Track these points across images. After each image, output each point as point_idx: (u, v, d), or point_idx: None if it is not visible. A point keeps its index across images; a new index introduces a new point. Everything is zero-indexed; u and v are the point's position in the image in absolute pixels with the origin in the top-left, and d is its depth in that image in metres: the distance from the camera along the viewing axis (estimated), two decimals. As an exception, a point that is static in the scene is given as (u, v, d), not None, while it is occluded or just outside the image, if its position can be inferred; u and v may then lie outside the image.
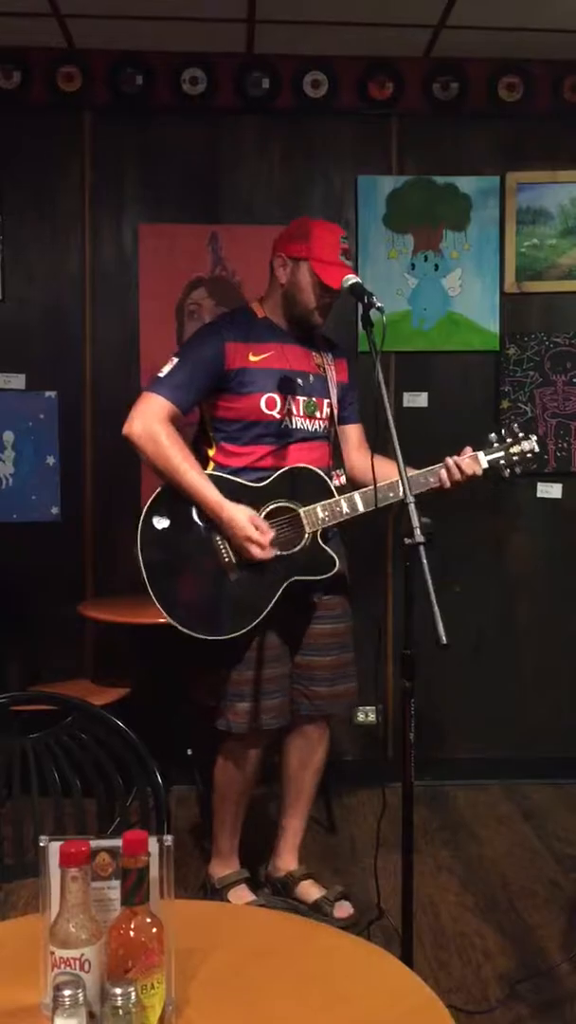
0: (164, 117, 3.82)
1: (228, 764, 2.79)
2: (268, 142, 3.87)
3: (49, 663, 3.71)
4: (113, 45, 3.69)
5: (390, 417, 2.21)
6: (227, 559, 2.60)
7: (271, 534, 2.57)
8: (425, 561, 2.00)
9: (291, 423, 2.70)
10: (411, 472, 2.56)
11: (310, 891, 2.89)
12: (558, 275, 3.93)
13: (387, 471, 2.50)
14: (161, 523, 2.63)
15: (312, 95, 3.81)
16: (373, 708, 3.87)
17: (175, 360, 2.68)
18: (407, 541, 2.04)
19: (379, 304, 2.37)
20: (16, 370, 3.81)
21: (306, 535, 2.64)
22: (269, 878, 2.97)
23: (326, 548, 2.67)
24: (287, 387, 2.70)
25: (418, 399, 3.90)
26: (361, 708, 3.87)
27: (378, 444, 2.50)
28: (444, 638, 1.92)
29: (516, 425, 2.71)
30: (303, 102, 3.82)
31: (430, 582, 1.97)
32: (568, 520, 3.97)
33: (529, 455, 2.67)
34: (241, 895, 2.83)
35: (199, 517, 2.61)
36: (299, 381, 2.73)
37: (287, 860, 2.95)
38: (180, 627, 2.60)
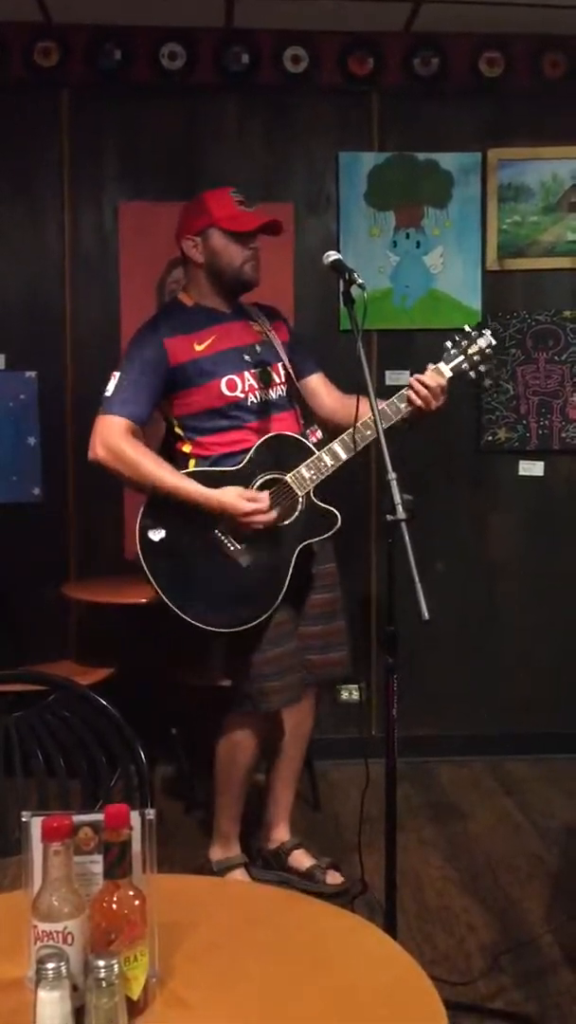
0: (143, 93, 3.78)
1: (235, 745, 2.78)
2: (248, 118, 3.83)
3: (33, 644, 3.70)
4: (91, 20, 3.64)
5: (372, 394, 2.21)
6: (232, 548, 2.60)
7: (265, 497, 2.57)
8: (407, 538, 2.00)
9: (255, 397, 2.70)
10: (381, 404, 2.56)
11: (302, 860, 2.91)
12: (540, 252, 3.92)
13: (364, 409, 2.50)
14: (157, 535, 2.60)
15: (292, 70, 3.78)
16: (356, 685, 3.89)
17: (117, 375, 2.64)
18: (389, 518, 2.05)
19: (360, 281, 2.37)
20: (-5, 350, 3.78)
21: (300, 499, 2.64)
22: (261, 851, 2.98)
23: (323, 505, 2.68)
24: (240, 364, 2.69)
25: (400, 377, 3.89)
26: (345, 686, 3.88)
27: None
28: (427, 614, 1.93)
29: (467, 326, 2.73)
30: (283, 78, 3.78)
31: (412, 559, 1.97)
32: (550, 497, 3.98)
33: (488, 350, 2.70)
34: (238, 879, 2.82)
35: (191, 517, 2.59)
36: (247, 357, 2.72)
37: (280, 831, 2.96)
38: (221, 631, 2.61)
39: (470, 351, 2.68)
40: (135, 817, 1.17)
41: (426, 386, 2.62)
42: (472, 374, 2.69)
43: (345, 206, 3.85)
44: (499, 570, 4.00)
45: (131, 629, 3.43)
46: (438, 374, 2.65)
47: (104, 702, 1.84)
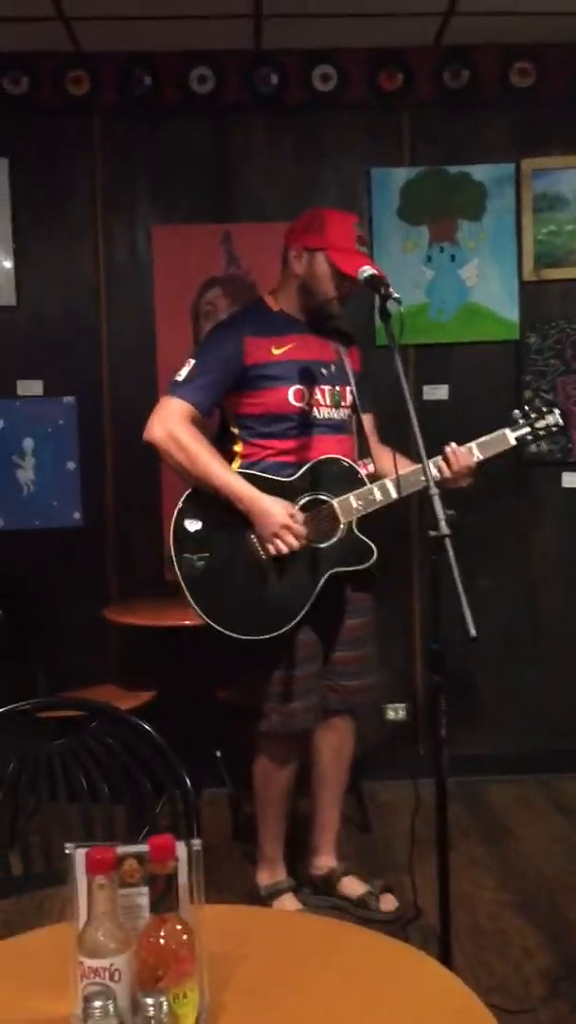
0: (173, 117, 3.80)
1: (268, 766, 2.76)
2: (279, 138, 3.84)
3: (74, 669, 3.70)
4: (120, 47, 3.67)
5: (411, 410, 2.17)
6: (264, 556, 2.58)
7: (304, 529, 2.55)
8: (451, 553, 1.97)
9: (318, 413, 2.69)
10: (410, 467, 2.55)
11: (354, 887, 2.86)
12: (577, 261, 3.87)
13: (399, 463, 2.54)
14: (193, 525, 2.59)
15: (321, 89, 3.78)
16: (403, 705, 3.83)
17: (192, 362, 2.66)
18: (432, 534, 2.01)
19: (396, 295, 2.34)
20: (33, 376, 3.81)
21: (341, 526, 2.61)
22: (310, 878, 2.93)
23: (363, 537, 2.64)
24: (312, 378, 2.69)
25: (438, 391, 3.86)
26: (391, 705, 3.83)
27: (398, 437, 2.47)
28: (474, 631, 1.89)
29: (538, 400, 2.74)
30: (312, 96, 3.79)
31: (457, 575, 1.93)
32: (595, 509, 3.91)
33: (554, 428, 2.70)
34: (286, 905, 2.77)
35: (231, 516, 2.57)
36: (323, 371, 2.72)
37: (326, 857, 2.92)
38: (221, 630, 2.57)
39: (537, 425, 2.68)
40: (181, 848, 1.14)
41: (459, 461, 2.62)
42: (533, 447, 2.73)
43: (378, 222, 3.83)
44: (544, 584, 3.93)
45: (173, 652, 3.42)
46: (469, 454, 2.64)
47: (146, 727, 1.81)
